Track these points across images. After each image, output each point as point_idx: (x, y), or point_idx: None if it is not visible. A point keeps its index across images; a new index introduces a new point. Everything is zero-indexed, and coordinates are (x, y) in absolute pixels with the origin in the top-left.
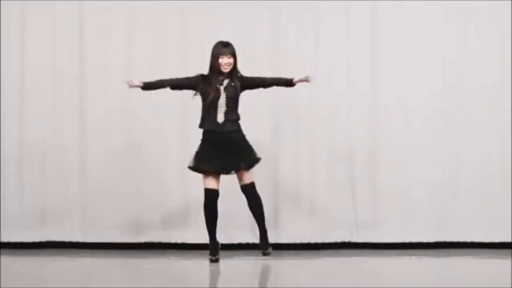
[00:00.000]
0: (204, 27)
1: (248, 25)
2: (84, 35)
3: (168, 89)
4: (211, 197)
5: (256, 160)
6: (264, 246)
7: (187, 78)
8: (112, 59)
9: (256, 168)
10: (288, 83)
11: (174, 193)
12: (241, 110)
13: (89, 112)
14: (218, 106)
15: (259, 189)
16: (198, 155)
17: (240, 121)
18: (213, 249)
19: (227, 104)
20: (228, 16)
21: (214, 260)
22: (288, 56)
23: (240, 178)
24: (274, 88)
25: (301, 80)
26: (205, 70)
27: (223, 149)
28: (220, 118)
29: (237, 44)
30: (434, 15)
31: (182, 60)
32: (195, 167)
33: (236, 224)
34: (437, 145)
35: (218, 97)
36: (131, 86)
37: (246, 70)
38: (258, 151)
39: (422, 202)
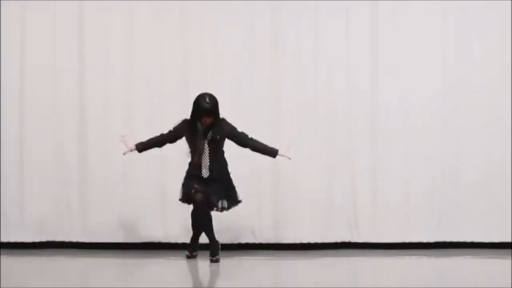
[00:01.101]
0: (204, 27)
1: (248, 25)
2: (84, 35)
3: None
4: (201, 204)
5: (236, 201)
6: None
7: (174, 129)
8: (112, 59)
9: (256, 168)
10: (271, 153)
11: (174, 193)
12: (241, 110)
13: (89, 112)
14: (202, 163)
15: (260, 190)
16: (184, 187)
17: (226, 162)
18: (214, 249)
19: (211, 159)
20: (228, 16)
21: (215, 260)
22: (288, 56)
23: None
24: (274, 88)
25: (283, 155)
26: (205, 70)
27: (206, 183)
28: (205, 173)
29: (237, 44)
30: (434, 15)
31: (182, 60)
32: (184, 198)
33: (235, 224)
34: (437, 145)
35: (202, 153)
36: (125, 153)
37: (246, 69)
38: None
39: (422, 202)
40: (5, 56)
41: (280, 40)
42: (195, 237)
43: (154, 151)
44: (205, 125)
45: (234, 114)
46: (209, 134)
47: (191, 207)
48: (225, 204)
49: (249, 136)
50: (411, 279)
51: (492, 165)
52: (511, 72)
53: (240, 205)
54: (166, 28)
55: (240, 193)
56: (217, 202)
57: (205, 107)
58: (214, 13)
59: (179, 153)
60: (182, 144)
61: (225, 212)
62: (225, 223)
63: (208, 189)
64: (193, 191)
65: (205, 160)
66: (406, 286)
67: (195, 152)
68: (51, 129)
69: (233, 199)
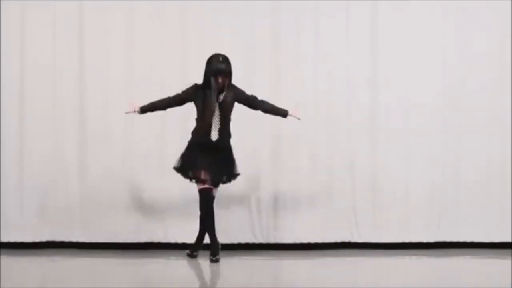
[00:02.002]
0: (204, 27)
1: (248, 25)
2: (84, 35)
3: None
4: (206, 196)
5: (235, 176)
6: (216, 253)
7: (182, 92)
8: (112, 59)
9: (257, 168)
10: (282, 114)
11: (174, 193)
12: (240, 110)
13: (89, 112)
14: (213, 123)
15: (260, 190)
16: (184, 158)
17: (230, 134)
18: (214, 247)
19: (221, 122)
20: (228, 16)
21: (215, 260)
22: (288, 56)
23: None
24: (273, 88)
25: (293, 115)
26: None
27: (209, 158)
28: (214, 135)
29: (237, 44)
30: (434, 15)
31: (182, 60)
32: (180, 169)
33: (235, 224)
34: (437, 145)
35: (213, 114)
36: (127, 112)
37: (246, 69)
38: (258, 150)
39: (422, 202)
40: (5, 56)
41: (280, 40)
42: (201, 237)
43: (157, 151)
44: (219, 86)
45: (234, 114)
46: (221, 96)
47: (193, 202)
48: (225, 178)
49: (259, 98)
50: (411, 279)
51: (492, 165)
52: (511, 72)
53: (240, 205)
54: (166, 28)
55: (241, 193)
56: (218, 180)
57: (220, 67)
58: (214, 13)
59: (179, 153)
60: (182, 144)
61: (227, 211)
62: (225, 223)
63: (210, 166)
64: (201, 185)
65: (216, 122)
66: (406, 286)
67: (205, 112)
68: (51, 129)
69: (233, 174)
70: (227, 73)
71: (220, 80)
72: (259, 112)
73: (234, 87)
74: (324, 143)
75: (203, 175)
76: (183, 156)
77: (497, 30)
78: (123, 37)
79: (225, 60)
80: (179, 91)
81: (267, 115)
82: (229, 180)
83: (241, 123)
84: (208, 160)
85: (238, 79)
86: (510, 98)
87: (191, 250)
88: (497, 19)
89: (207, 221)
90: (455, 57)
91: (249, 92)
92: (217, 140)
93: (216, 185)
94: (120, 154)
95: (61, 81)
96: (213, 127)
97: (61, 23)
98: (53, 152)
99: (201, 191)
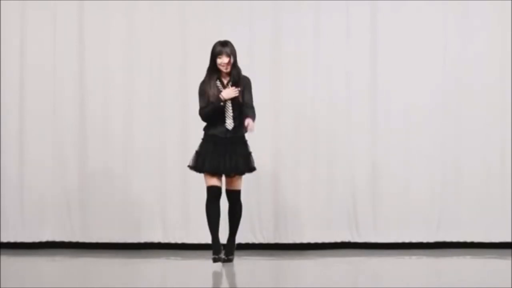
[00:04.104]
0: (204, 27)
1: (248, 25)
2: (84, 35)
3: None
4: (213, 194)
5: (252, 168)
6: (230, 252)
7: (204, 92)
8: (112, 59)
9: (257, 167)
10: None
11: (174, 193)
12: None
13: (89, 112)
14: (226, 111)
15: (260, 190)
16: (199, 155)
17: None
18: (216, 248)
19: (234, 109)
20: (228, 16)
21: (218, 259)
22: (288, 56)
23: (229, 183)
24: (273, 88)
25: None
26: (205, 70)
27: (224, 151)
28: (230, 124)
29: (237, 44)
30: (434, 15)
31: (182, 60)
32: (195, 167)
33: None
34: (437, 145)
35: (224, 101)
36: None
37: (246, 70)
38: (258, 150)
39: (422, 202)
40: (5, 55)
41: (280, 40)
42: (214, 237)
43: (157, 151)
44: (225, 69)
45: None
46: (230, 79)
47: (193, 202)
48: (240, 169)
49: (252, 105)
50: (411, 279)
51: (492, 165)
52: (511, 72)
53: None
54: (166, 28)
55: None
56: (231, 171)
57: (220, 48)
58: (214, 13)
59: (180, 153)
60: (182, 144)
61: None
62: (225, 223)
63: (224, 158)
64: (211, 184)
65: (229, 109)
66: (406, 286)
67: (211, 97)
68: (51, 129)
69: (250, 167)
70: (229, 52)
71: (224, 61)
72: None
73: (245, 77)
74: (324, 143)
75: (212, 171)
76: (197, 154)
77: (497, 30)
78: (123, 37)
79: (227, 42)
80: (198, 95)
81: (267, 115)
82: (244, 173)
83: None
84: (221, 155)
85: None
86: (510, 98)
87: (215, 252)
88: (497, 19)
89: (211, 220)
90: (455, 57)
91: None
92: (233, 129)
93: (228, 175)
94: (120, 154)
95: (61, 81)
96: (226, 115)
97: (61, 23)
98: (53, 152)
99: (208, 189)
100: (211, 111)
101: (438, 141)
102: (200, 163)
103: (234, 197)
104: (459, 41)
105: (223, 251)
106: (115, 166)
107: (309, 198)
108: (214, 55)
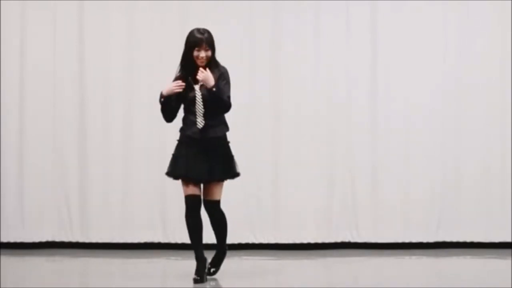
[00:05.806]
0: (204, 27)
1: (248, 25)
2: (84, 35)
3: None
4: (191, 204)
5: (235, 174)
6: (215, 264)
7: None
8: (112, 59)
9: (257, 167)
10: (213, 93)
11: (174, 193)
12: (240, 110)
13: (89, 112)
14: (196, 108)
15: (260, 189)
16: (174, 159)
17: (226, 125)
18: (199, 267)
19: (205, 106)
20: (228, 16)
21: (198, 280)
22: (288, 56)
23: (207, 192)
24: (273, 88)
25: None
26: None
27: (197, 154)
28: (200, 122)
29: (238, 44)
30: (434, 14)
31: None
32: (169, 173)
33: (235, 225)
34: (437, 145)
35: (194, 97)
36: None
37: (246, 70)
38: (258, 150)
39: (422, 202)
40: (5, 56)
41: (280, 40)
42: (197, 253)
43: (157, 151)
44: (201, 63)
45: (234, 114)
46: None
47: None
48: (219, 176)
49: (228, 95)
50: (411, 279)
51: (492, 165)
52: (511, 72)
53: (240, 205)
54: (166, 27)
55: (240, 193)
56: (212, 178)
57: (201, 31)
58: (214, 13)
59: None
60: None
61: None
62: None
63: (202, 165)
64: (188, 194)
65: (199, 107)
66: (406, 286)
67: (187, 99)
68: (51, 129)
69: (232, 173)
70: (207, 44)
71: (201, 52)
72: (258, 112)
73: (220, 65)
74: (324, 142)
75: (189, 178)
76: (173, 157)
77: (497, 30)
78: (123, 37)
79: (205, 31)
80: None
81: (267, 115)
82: (225, 179)
83: (240, 123)
84: (198, 160)
85: (238, 79)
86: (510, 98)
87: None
88: (497, 19)
89: (192, 233)
90: (455, 57)
91: (248, 91)
92: (204, 129)
93: (206, 182)
94: (120, 154)
95: (61, 81)
96: (197, 112)
97: (61, 23)
98: (53, 152)
99: (186, 198)
100: (162, 110)
101: (438, 141)
102: (173, 169)
103: (211, 208)
104: (459, 41)
105: (208, 266)
106: (115, 166)
107: (309, 198)
108: (191, 45)
